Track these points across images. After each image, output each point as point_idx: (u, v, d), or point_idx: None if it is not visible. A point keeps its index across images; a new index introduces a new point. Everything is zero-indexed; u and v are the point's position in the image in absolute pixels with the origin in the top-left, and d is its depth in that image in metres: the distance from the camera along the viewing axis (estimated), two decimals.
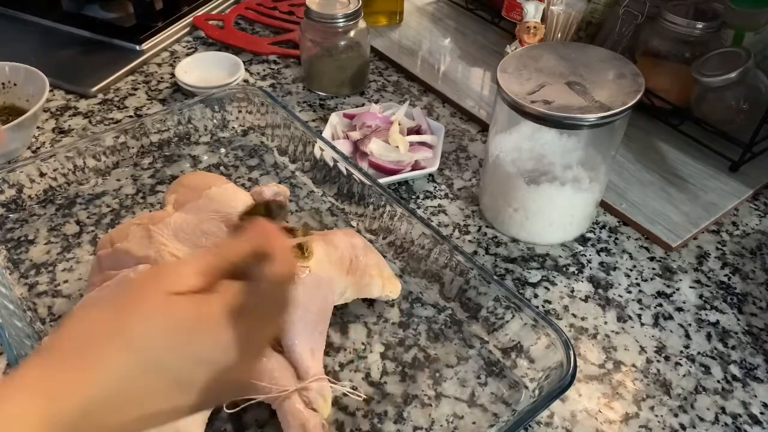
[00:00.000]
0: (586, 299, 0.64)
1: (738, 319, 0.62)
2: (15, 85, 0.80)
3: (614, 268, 0.67)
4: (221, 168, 0.77)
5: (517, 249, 0.68)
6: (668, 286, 0.65)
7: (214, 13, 1.07)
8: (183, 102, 0.79)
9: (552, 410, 0.54)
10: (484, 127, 0.84)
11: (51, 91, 0.84)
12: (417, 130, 0.80)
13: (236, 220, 0.59)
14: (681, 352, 0.59)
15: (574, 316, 0.62)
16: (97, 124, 0.83)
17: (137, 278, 0.34)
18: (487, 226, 0.71)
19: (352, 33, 0.85)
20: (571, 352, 0.50)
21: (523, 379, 0.55)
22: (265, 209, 0.50)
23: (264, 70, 0.94)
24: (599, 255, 0.68)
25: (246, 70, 0.93)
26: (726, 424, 0.54)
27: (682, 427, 0.54)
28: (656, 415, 0.54)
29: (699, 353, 0.59)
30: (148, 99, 0.88)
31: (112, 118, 0.84)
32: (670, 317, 0.62)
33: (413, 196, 0.74)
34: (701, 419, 0.54)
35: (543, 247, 0.68)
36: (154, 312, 0.32)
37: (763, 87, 0.75)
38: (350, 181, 0.69)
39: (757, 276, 0.67)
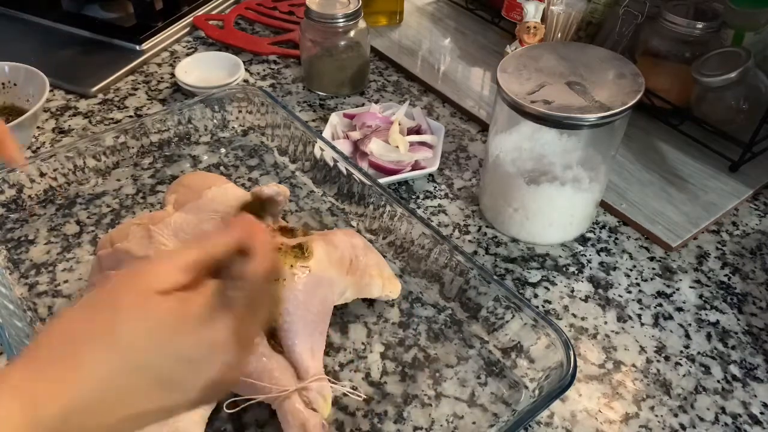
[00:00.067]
0: (586, 299, 0.64)
1: (738, 319, 0.62)
2: (15, 85, 0.80)
3: (614, 268, 0.67)
4: (221, 168, 0.77)
5: (517, 249, 0.68)
6: (668, 286, 0.65)
7: (214, 13, 1.07)
8: (183, 102, 0.79)
9: (552, 410, 0.54)
10: (484, 127, 0.84)
11: (51, 91, 0.84)
12: (417, 130, 0.80)
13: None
14: (681, 352, 0.59)
15: (574, 316, 0.62)
16: (97, 124, 0.83)
17: (119, 277, 0.34)
18: (487, 226, 0.71)
19: (352, 33, 0.85)
20: (571, 352, 0.50)
21: (523, 379, 0.55)
22: (260, 205, 0.50)
23: (264, 70, 0.94)
24: (599, 255, 0.68)
25: (246, 70, 0.93)
26: (726, 424, 0.54)
27: (682, 427, 0.54)
28: (656, 415, 0.54)
29: (699, 353, 0.59)
30: (148, 99, 0.88)
31: (112, 118, 0.84)
32: (670, 317, 0.62)
33: (413, 196, 0.74)
34: (701, 419, 0.54)
35: (543, 247, 0.68)
36: (135, 311, 0.32)
37: (763, 87, 0.75)
38: (350, 181, 0.69)
39: (757, 276, 0.67)
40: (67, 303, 0.61)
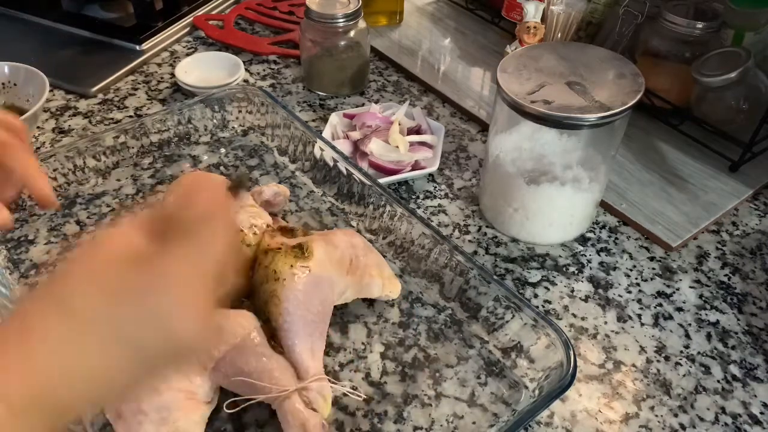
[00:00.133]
0: (586, 299, 0.64)
1: (738, 319, 0.62)
2: (15, 85, 0.80)
3: (614, 268, 0.67)
4: (221, 168, 0.77)
5: (517, 249, 0.68)
6: (668, 286, 0.65)
7: (214, 13, 1.07)
8: (183, 102, 0.79)
9: (552, 410, 0.54)
10: (484, 127, 0.84)
11: (51, 91, 0.84)
12: (417, 130, 0.80)
13: (236, 220, 0.59)
14: (681, 352, 0.59)
15: (574, 316, 0.62)
16: (97, 124, 0.83)
17: (77, 249, 0.34)
18: (487, 226, 0.71)
19: (352, 33, 0.85)
20: (571, 352, 0.50)
21: (523, 379, 0.55)
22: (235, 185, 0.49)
23: (264, 70, 0.94)
24: (599, 255, 0.68)
25: (246, 70, 0.93)
26: (726, 424, 0.54)
27: (682, 427, 0.54)
28: (656, 415, 0.54)
29: (699, 353, 0.59)
30: (148, 99, 0.88)
31: (112, 118, 0.84)
32: (670, 317, 0.62)
33: (413, 196, 0.74)
34: (701, 419, 0.54)
35: (543, 247, 0.68)
36: (86, 275, 0.32)
37: (763, 87, 0.75)
38: (350, 181, 0.69)
39: (757, 276, 0.67)
40: None
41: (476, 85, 0.91)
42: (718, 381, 0.57)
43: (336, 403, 0.53)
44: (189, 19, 1.03)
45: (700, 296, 0.65)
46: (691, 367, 0.58)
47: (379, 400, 0.54)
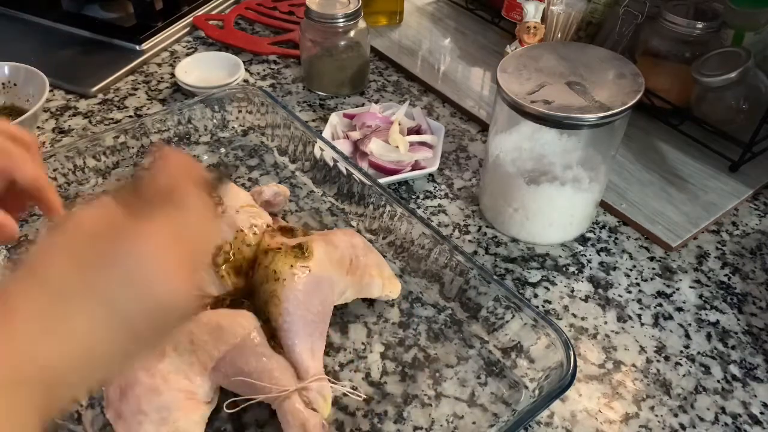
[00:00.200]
0: (586, 299, 0.64)
1: (738, 319, 0.62)
2: (15, 85, 0.80)
3: (614, 268, 0.67)
4: (221, 168, 0.77)
5: (517, 249, 0.68)
6: (668, 286, 0.65)
7: (214, 13, 1.07)
8: (183, 102, 0.79)
9: (552, 410, 0.54)
10: (484, 127, 0.84)
11: (51, 91, 0.84)
12: (417, 130, 0.80)
13: (236, 220, 0.59)
14: (681, 352, 0.59)
15: (574, 316, 0.62)
16: (97, 124, 0.83)
17: (54, 227, 0.34)
18: (487, 226, 0.71)
19: (352, 33, 0.85)
20: (571, 352, 0.50)
21: (523, 379, 0.55)
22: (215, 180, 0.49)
23: (264, 70, 0.94)
24: (599, 255, 0.68)
25: (246, 70, 0.93)
26: (726, 424, 0.54)
27: (682, 427, 0.54)
28: (656, 415, 0.54)
29: (699, 353, 0.59)
30: (148, 99, 0.88)
31: (112, 118, 0.84)
32: (670, 317, 0.62)
33: (413, 196, 0.74)
34: (701, 419, 0.54)
35: (543, 247, 0.68)
36: (65, 249, 0.32)
37: (763, 87, 0.75)
38: (350, 181, 0.69)
39: (757, 276, 0.67)
40: None
41: (476, 85, 0.91)
42: (718, 381, 0.57)
43: (336, 403, 0.53)
44: (189, 19, 1.03)
45: (700, 296, 0.65)
46: (691, 367, 0.58)
47: (379, 400, 0.54)
